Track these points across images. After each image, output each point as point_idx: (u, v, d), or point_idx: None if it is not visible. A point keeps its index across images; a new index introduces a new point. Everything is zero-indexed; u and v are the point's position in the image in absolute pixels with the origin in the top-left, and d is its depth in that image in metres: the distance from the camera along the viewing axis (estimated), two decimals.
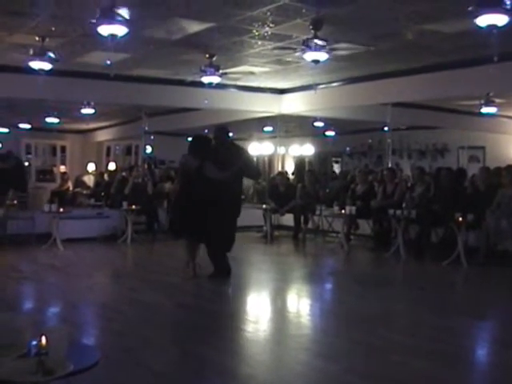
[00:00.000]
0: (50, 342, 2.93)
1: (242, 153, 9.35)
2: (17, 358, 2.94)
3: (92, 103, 15.50)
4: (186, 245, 9.05)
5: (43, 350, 2.91)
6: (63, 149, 23.23)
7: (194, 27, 9.23)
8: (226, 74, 11.79)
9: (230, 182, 8.70)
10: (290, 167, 21.23)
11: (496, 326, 7.07)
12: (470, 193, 11.56)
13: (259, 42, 10.03)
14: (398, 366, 5.06)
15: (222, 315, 7.08)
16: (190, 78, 12.89)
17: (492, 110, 14.18)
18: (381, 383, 4.62)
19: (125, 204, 13.16)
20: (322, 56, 9.19)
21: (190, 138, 9.52)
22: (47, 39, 9.76)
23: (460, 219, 10.04)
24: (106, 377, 4.49)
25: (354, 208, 12.29)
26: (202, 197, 8.53)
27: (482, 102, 13.81)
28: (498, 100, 13.77)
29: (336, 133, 19.02)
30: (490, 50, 8.39)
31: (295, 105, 14.93)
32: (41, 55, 9.81)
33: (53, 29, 9.27)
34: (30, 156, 22.67)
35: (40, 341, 2.93)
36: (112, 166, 20.38)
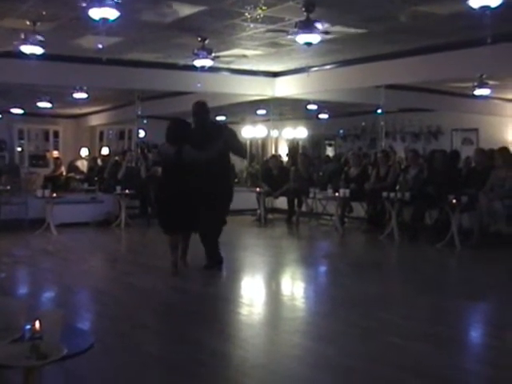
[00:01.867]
0: (44, 326, 2.93)
1: (223, 131, 8.53)
2: (11, 342, 2.93)
3: (84, 88, 15.43)
4: (168, 240, 8.28)
5: (37, 334, 2.90)
6: (56, 134, 23.15)
7: (186, 10, 9.19)
8: (218, 57, 11.76)
9: (214, 163, 8.00)
10: (283, 150, 21.20)
11: (491, 307, 7.10)
12: (464, 174, 11.59)
13: (251, 25, 9.97)
14: (394, 348, 5.08)
15: (217, 299, 7.09)
16: (182, 62, 12.86)
17: (485, 91, 14.17)
18: (376, 365, 4.63)
19: (118, 188, 13.13)
20: (315, 38, 9.17)
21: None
22: (38, 23, 9.70)
23: (454, 201, 10.06)
24: (100, 361, 4.49)
25: (347, 191, 12.31)
26: (185, 185, 7.89)
27: (476, 83, 13.79)
28: (491, 82, 13.76)
29: (329, 116, 19.00)
30: (484, 32, 8.38)
31: (288, 88, 14.89)
32: (32, 39, 9.77)
33: (44, 13, 9.21)
34: (22, 141, 22.62)
35: (34, 325, 2.93)
36: (105, 151, 20.35)
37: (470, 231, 10.55)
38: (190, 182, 7.89)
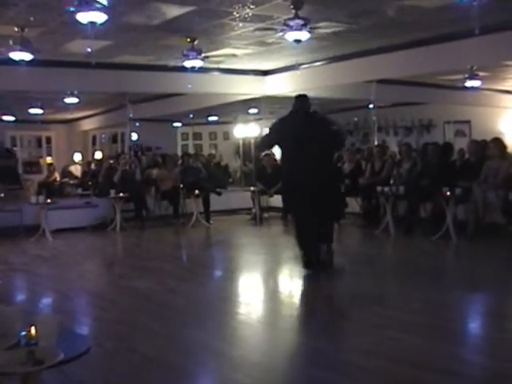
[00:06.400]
0: (40, 332, 2.92)
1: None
2: (6, 349, 2.93)
3: (75, 92, 15.41)
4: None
5: (33, 340, 2.90)
6: (48, 140, 23.10)
7: (174, 11, 9.18)
8: (208, 57, 11.75)
9: None
10: (276, 149, 21.13)
11: (488, 298, 7.08)
12: (458, 166, 11.61)
13: (240, 24, 9.97)
14: (393, 343, 5.06)
15: (214, 298, 7.08)
16: (172, 63, 12.85)
17: (476, 83, 14.17)
18: (376, 360, 4.61)
19: (112, 192, 13.14)
20: (304, 35, 9.18)
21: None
22: (26, 29, 9.68)
23: (448, 193, 10.07)
24: (98, 364, 4.49)
25: (342, 186, 12.30)
26: None
27: (466, 75, 13.80)
28: (481, 73, 13.77)
29: (321, 112, 18.95)
30: (472, 23, 8.38)
31: (279, 86, 14.89)
32: (21, 46, 9.75)
33: (31, 18, 9.19)
34: (15, 148, 22.53)
35: (29, 331, 2.92)
36: (98, 155, 20.28)
37: (465, 223, 10.56)
38: None
